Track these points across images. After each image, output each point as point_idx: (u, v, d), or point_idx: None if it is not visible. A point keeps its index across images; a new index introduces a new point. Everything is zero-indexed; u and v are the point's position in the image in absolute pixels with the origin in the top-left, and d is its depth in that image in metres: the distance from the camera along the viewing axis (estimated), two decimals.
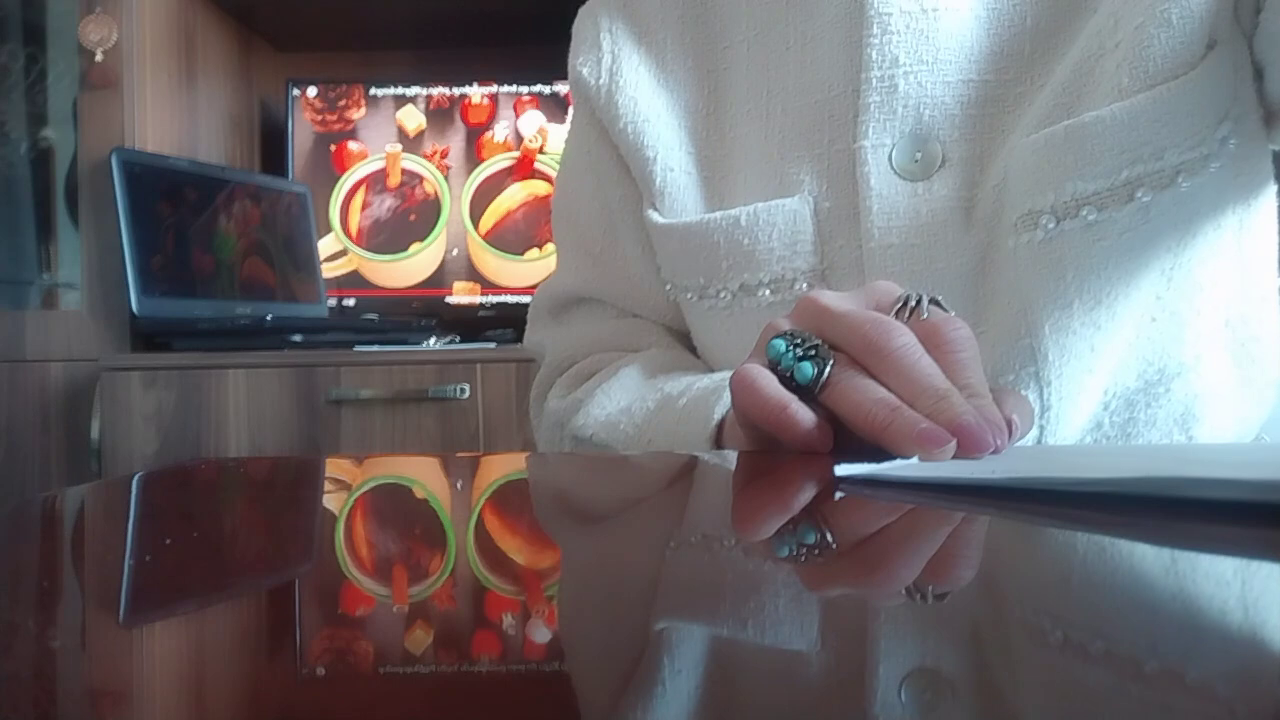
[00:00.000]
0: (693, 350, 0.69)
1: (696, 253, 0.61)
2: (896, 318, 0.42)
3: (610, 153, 0.67)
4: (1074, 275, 0.52)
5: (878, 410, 0.39)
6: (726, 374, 0.56)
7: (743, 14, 0.64)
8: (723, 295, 0.61)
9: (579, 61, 0.68)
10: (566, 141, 0.75)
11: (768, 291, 0.59)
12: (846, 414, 0.41)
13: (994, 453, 0.38)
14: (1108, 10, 0.53)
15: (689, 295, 0.63)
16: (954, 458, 0.38)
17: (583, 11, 0.70)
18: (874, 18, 0.56)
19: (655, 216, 0.63)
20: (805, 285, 0.58)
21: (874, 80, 0.56)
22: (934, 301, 0.43)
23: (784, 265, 0.58)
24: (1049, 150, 0.52)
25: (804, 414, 0.42)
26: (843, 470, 0.34)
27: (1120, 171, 0.51)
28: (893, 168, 0.56)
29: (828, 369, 0.42)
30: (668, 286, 0.65)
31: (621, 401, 0.60)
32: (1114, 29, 0.52)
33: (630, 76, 0.65)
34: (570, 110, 0.75)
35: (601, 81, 0.66)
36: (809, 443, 0.42)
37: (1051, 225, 0.52)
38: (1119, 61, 0.51)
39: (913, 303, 0.43)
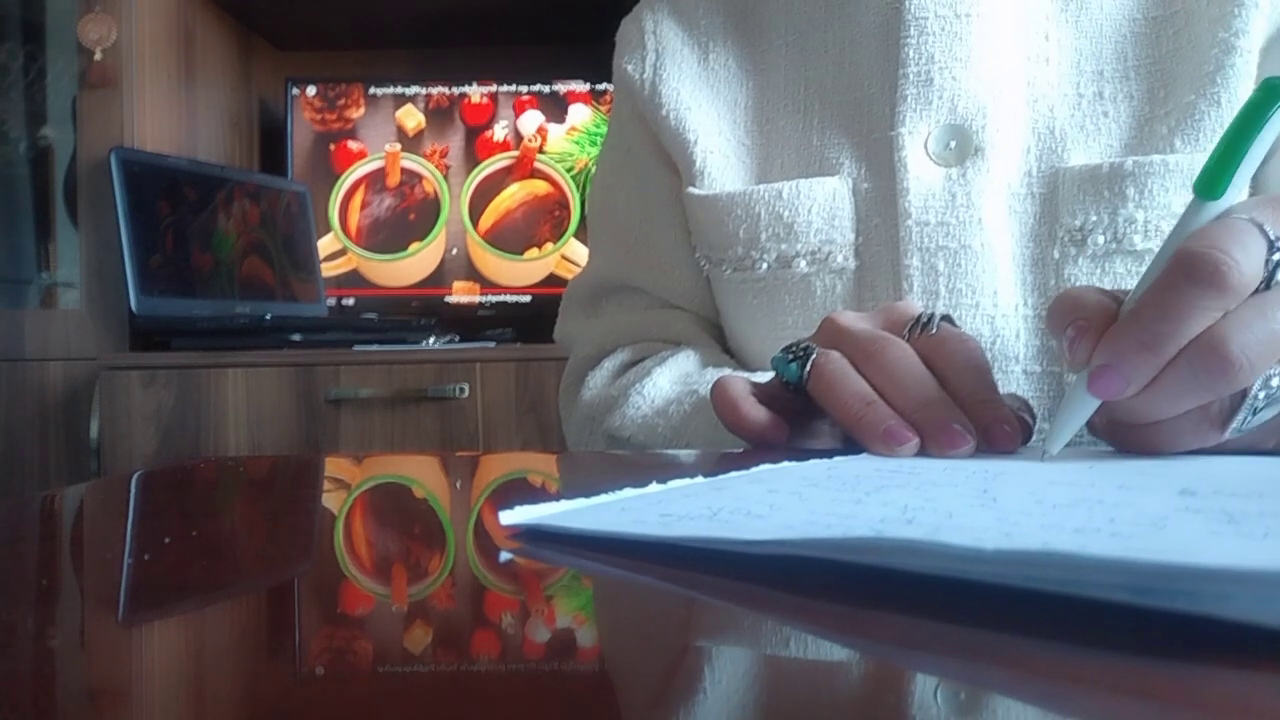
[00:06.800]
0: (723, 343, 0.71)
1: (738, 223, 0.63)
2: (909, 333, 0.44)
3: (650, 145, 0.70)
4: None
5: (853, 403, 0.41)
6: (759, 375, 0.57)
7: (782, 21, 0.67)
8: (760, 266, 0.63)
9: (624, 60, 0.71)
10: (605, 140, 0.78)
11: (804, 263, 0.62)
12: (828, 406, 0.42)
13: (1007, 452, 0.39)
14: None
15: (724, 268, 0.65)
16: (940, 457, 0.38)
17: (627, 19, 0.73)
18: (910, 21, 0.59)
19: (695, 190, 0.66)
20: (841, 258, 0.61)
21: (910, 75, 0.59)
22: (945, 318, 0.44)
23: (821, 238, 0.61)
24: (1111, 178, 0.56)
25: (754, 411, 0.45)
26: (510, 518, 0.28)
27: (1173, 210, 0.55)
28: (928, 154, 0.59)
29: (809, 364, 0.43)
30: (703, 263, 0.67)
31: (657, 403, 0.61)
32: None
33: (673, 70, 0.69)
34: (611, 110, 0.79)
35: (645, 75, 0.69)
36: (761, 436, 0.45)
37: (1099, 245, 0.56)
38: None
39: (924, 319, 0.44)
